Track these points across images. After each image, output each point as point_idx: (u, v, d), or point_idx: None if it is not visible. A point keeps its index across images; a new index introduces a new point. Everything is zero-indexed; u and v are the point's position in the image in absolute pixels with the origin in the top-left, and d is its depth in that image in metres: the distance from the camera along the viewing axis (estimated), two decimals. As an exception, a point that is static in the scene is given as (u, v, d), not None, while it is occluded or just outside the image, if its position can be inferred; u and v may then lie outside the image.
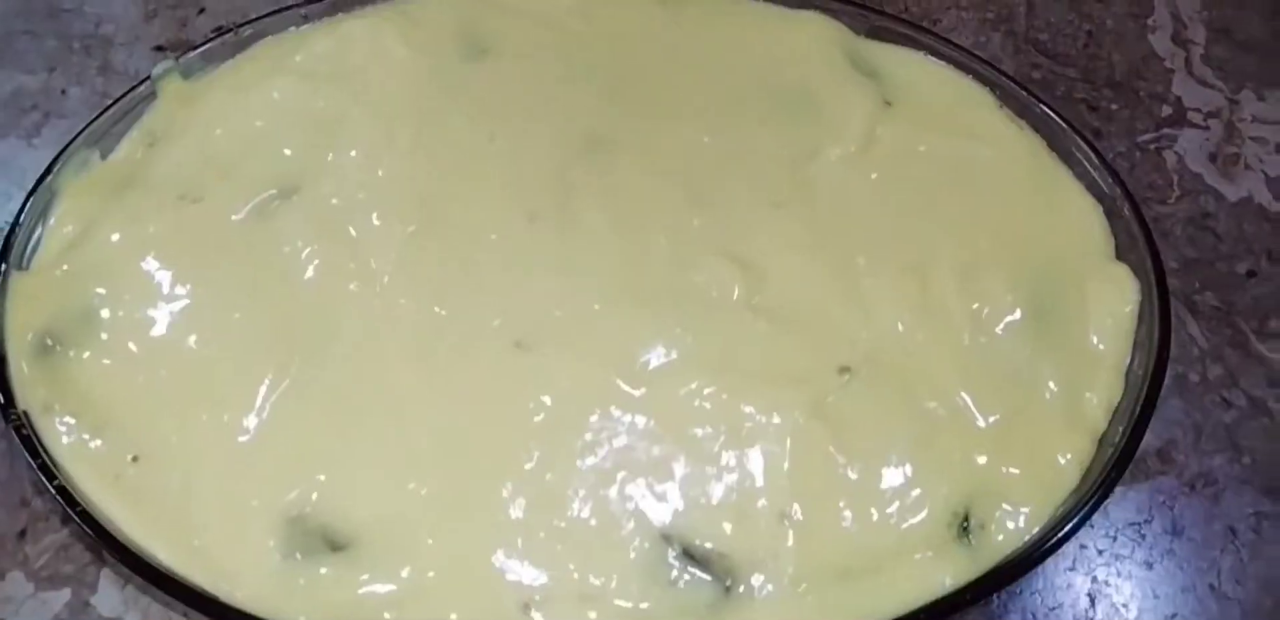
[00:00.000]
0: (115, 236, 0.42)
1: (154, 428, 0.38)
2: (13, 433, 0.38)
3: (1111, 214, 0.44)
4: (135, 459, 0.38)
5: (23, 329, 0.40)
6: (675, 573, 0.36)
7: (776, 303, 0.41)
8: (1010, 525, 0.37)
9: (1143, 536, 0.41)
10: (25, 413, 0.38)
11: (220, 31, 0.48)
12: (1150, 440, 0.42)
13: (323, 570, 0.36)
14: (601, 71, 0.46)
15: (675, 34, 0.48)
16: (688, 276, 0.41)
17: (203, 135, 0.45)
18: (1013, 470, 0.38)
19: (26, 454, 0.37)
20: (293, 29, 0.48)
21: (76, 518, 0.36)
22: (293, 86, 0.46)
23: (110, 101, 0.45)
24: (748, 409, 0.38)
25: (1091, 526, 0.41)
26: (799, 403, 0.38)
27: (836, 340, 0.40)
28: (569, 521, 0.37)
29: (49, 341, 0.40)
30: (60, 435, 0.38)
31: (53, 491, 0.36)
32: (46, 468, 0.37)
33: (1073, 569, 0.41)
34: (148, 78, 0.46)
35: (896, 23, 0.48)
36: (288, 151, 0.44)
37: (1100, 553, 0.41)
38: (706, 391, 0.39)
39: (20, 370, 0.39)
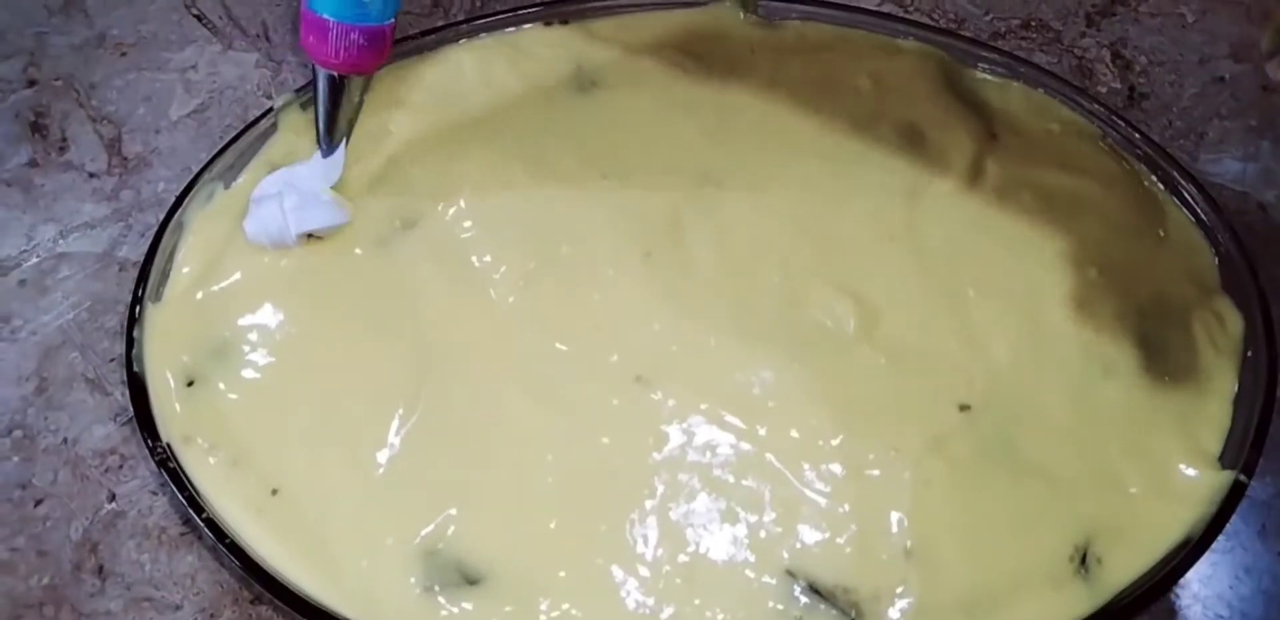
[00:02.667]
0: (241, 269, 0.43)
1: (290, 462, 0.40)
2: (159, 465, 0.40)
3: (1214, 245, 0.45)
4: (275, 492, 0.39)
5: (161, 362, 0.41)
6: (801, 607, 0.37)
7: (893, 338, 0.42)
8: (1128, 558, 0.38)
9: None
10: (168, 445, 0.40)
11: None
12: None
13: (465, 605, 0.37)
14: (708, 105, 0.47)
15: (779, 65, 0.48)
16: (803, 311, 0.42)
17: (319, 166, 0.46)
18: (1130, 502, 0.39)
19: (174, 487, 0.39)
20: (403, 60, 0.49)
21: (225, 549, 0.37)
22: (404, 118, 0.47)
23: (234, 134, 0.47)
24: (869, 446, 0.39)
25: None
26: (920, 440, 0.39)
27: (955, 377, 0.41)
28: (693, 556, 0.38)
29: (186, 374, 0.41)
30: (202, 467, 0.40)
31: (200, 523, 0.38)
32: (194, 500, 0.38)
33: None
34: (270, 110, 0.47)
35: (996, 53, 0.49)
36: (403, 183, 0.45)
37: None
38: (826, 429, 0.40)
39: (161, 403, 0.41)
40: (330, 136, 0.44)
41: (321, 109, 0.43)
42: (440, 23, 0.55)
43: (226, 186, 0.46)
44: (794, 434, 0.40)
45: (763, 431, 0.40)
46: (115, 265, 0.49)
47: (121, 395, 0.45)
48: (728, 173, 0.45)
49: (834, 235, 0.44)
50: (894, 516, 0.38)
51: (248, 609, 0.41)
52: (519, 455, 0.40)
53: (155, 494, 0.44)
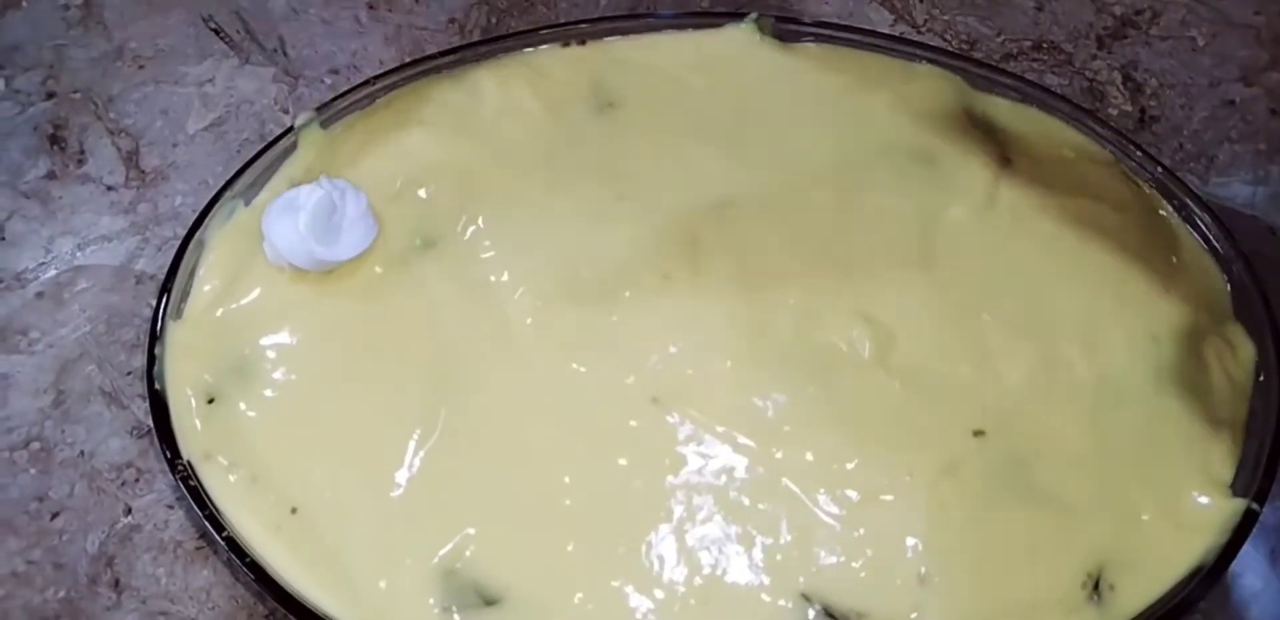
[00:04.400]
0: (261, 287, 0.44)
1: (309, 481, 0.40)
2: (180, 482, 0.40)
3: (1227, 272, 0.45)
4: (294, 511, 0.40)
5: (182, 379, 0.42)
6: (815, 631, 0.38)
7: (908, 362, 0.42)
8: (1140, 585, 0.38)
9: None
10: (189, 462, 0.40)
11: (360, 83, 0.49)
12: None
13: (484, 626, 0.38)
14: (725, 127, 0.47)
15: (795, 89, 0.49)
16: (818, 335, 0.42)
17: (338, 184, 0.46)
18: (1142, 529, 0.39)
19: (194, 504, 0.39)
20: (422, 79, 0.49)
21: (245, 568, 0.38)
22: (423, 138, 0.47)
23: (252, 154, 0.47)
24: (884, 470, 0.40)
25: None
26: (935, 466, 0.40)
27: (968, 403, 0.41)
28: (709, 579, 0.38)
29: (207, 392, 0.42)
30: (222, 485, 0.40)
31: (221, 542, 0.38)
32: (214, 518, 0.39)
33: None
34: (291, 128, 0.47)
35: (1010, 77, 0.49)
36: (423, 202, 0.46)
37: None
38: (841, 452, 0.40)
39: (181, 420, 0.41)
40: None
41: None
42: (456, 39, 0.55)
43: (247, 204, 0.46)
44: (809, 457, 0.40)
45: (778, 455, 0.40)
46: (133, 278, 0.49)
47: (138, 408, 0.46)
48: (744, 195, 0.46)
49: (850, 259, 0.44)
50: (909, 541, 0.39)
51: (263, 624, 0.42)
52: (536, 476, 0.40)
53: (171, 508, 0.44)
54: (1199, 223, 0.46)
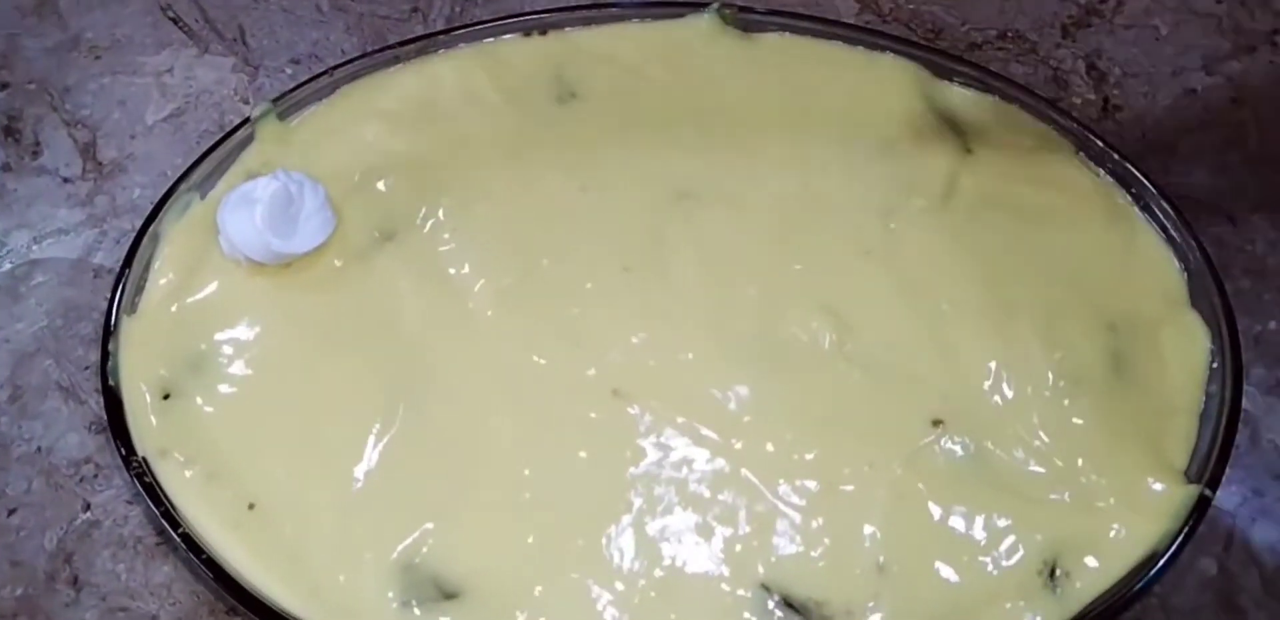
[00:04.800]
0: (218, 281, 0.43)
1: (267, 476, 0.40)
2: (135, 479, 0.40)
3: (1184, 261, 0.45)
4: (252, 506, 0.39)
5: (137, 375, 0.41)
6: (775, 620, 0.38)
7: (868, 353, 0.42)
8: (1095, 572, 0.39)
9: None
10: (144, 459, 0.40)
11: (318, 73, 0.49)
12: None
13: (443, 619, 0.38)
14: (687, 118, 0.47)
15: (757, 79, 0.48)
16: (779, 326, 0.43)
17: (296, 176, 0.46)
18: (1098, 516, 0.39)
19: (149, 500, 0.39)
20: (382, 69, 0.48)
21: (202, 565, 0.37)
22: (383, 129, 0.47)
23: (210, 145, 0.46)
24: (844, 461, 0.40)
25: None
26: (894, 455, 0.40)
27: (928, 392, 0.41)
28: (669, 570, 0.39)
29: (162, 387, 0.41)
30: (178, 481, 0.40)
31: (177, 538, 0.38)
32: (169, 514, 0.38)
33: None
34: (247, 120, 0.47)
35: (972, 67, 0.49)
36: (382, 195, 0.45)
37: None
38: (801, 443, 0.40)
39: (137, 416, 0.41)
40: None
41: None
42: (419, 28, 0.55)
43: (203, 197, 0.45)
44: (769, 448, 0.40)
45: (739, 446, 0.40)
46: (90, 271, 0.49)
47: (96, 404, 0.45)
48: (706, 186, 0.46)
49: (811, 250, 0.44)
50: (867, 531, 0.39)
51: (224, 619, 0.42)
52: (496, 469, 0.40)
53: (130, 503, 0.44)
54: (1156, 212, 0.46)
